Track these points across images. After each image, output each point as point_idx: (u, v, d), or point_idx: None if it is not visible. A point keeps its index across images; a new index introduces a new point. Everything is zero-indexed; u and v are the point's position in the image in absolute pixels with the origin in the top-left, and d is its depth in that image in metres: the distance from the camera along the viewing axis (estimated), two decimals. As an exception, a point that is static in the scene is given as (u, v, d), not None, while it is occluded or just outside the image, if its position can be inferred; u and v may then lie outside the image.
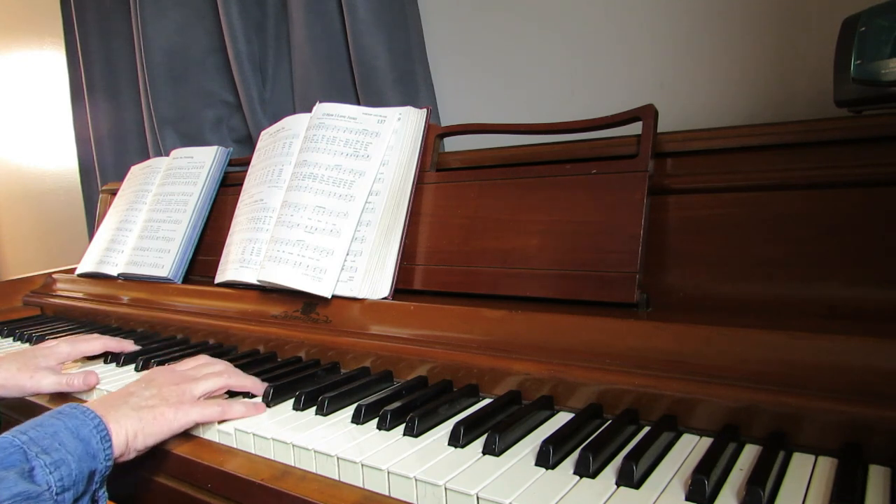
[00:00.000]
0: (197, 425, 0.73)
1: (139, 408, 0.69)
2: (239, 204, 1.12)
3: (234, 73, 1.57)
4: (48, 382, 0.88)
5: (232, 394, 0.80)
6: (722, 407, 0.58)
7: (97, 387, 0.88)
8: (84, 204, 2.18)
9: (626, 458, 0.52)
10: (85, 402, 0.71)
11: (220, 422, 0.72)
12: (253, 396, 0.79)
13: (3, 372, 0.88)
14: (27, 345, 1.21)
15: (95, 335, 1.03)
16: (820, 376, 0.55)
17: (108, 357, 1.02)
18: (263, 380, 0.81)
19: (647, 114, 0.77)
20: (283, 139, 1.07)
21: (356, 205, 0.94)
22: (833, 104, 0.71)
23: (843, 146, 0.67)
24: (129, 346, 1.03)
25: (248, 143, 1.70)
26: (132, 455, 0.67)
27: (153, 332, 1.19)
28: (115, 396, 0.72)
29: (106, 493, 0.65)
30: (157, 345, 1.07)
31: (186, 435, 0.73)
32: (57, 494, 0.57)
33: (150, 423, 0.68)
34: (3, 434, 0.59)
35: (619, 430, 0.59)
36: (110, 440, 0.64)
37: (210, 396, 0.77)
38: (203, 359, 0.84)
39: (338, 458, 0.60)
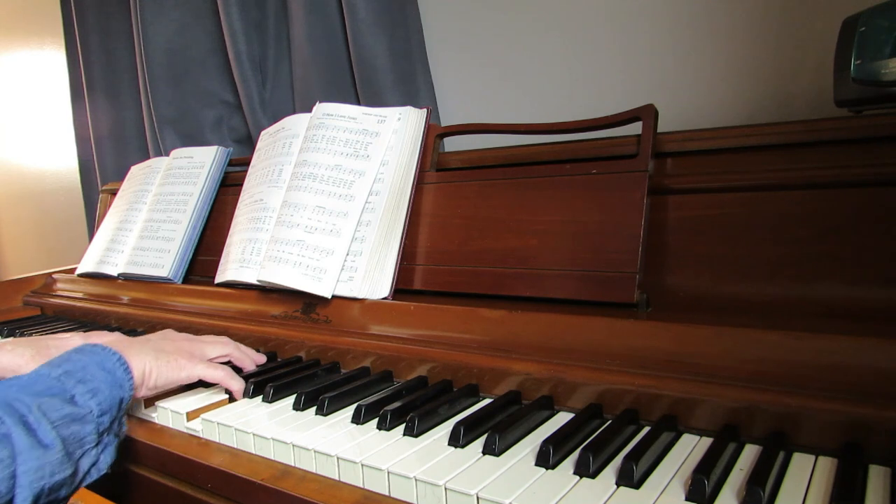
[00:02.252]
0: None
1: (157, 350, 0.77)
2: (239, 204, 1.12)
3: (234, 73, 1.57)
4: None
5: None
6: (722, 407, 0.58)
7: None
8: (84, 204, 2.18)
9: (626, 458, 0.52)
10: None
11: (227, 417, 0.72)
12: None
13: (18, 358, 0.88)
14: (27, 345, 1.21)
15: (106, 332, 1.02)
16: (820, 376, 0.55)
17: None
18: (264, 379, 0.81)
19: (647, 114, 0.77)
20: (283, 139, 1.07)
21: (356, 205, 0.94)
22: (833, 104, 0.71)
23: (843, 146, 0.67)
24: None
25: (248, 143, 1.70)
26: (143, 392, 0.74)
27: (153, 332, 1.18)
28: (134, 341, 0.80)
29: (125, 420, 0.71)
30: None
31: (187, 435, 0.74)
32: (98, 417, 0.63)
33: (164, 364, 0.76)
34: (39, 367, 0.65)
35: (619, 430, 0.59)
36: (131, 371, 0.70)
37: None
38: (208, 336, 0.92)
39: (338, 458, 0.60)
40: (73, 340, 0.95)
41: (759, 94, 1.01)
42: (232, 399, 0.80)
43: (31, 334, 1.23)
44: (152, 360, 0.75)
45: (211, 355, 0.83)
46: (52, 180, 2.62)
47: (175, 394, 0.82)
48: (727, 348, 0.60)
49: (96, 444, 0.63)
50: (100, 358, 0.69)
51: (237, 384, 0.80)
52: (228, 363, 0.86)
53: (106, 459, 0.65)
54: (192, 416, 0.75)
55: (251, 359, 0.89)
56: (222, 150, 1.31)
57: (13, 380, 0.62)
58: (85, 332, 1.02)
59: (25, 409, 0.57)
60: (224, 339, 0.90)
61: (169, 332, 0.88)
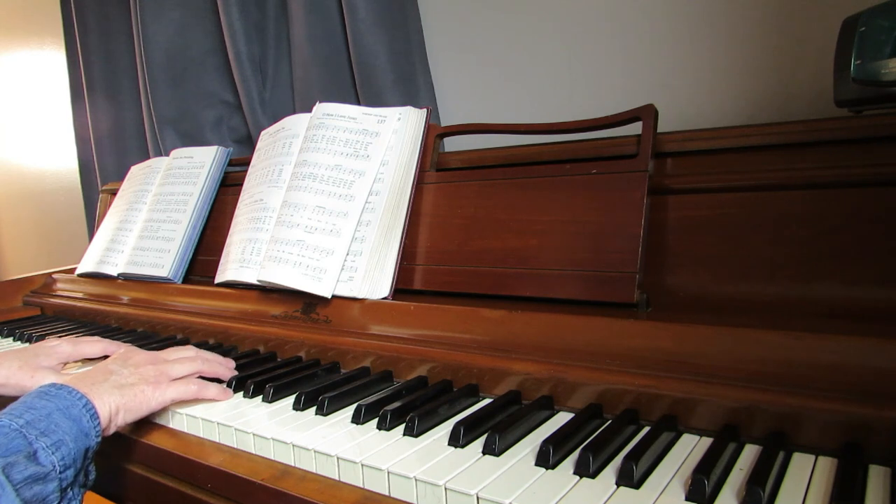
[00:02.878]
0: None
1: (121, 385, 0.72)
2: (239, 204, 1.12)
3: (234, 73, 1.57)
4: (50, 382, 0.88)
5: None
6: (722, 407, 0.58)
7: None
8: (84, 204, 2.18)
9: (626, 458, 0.52)
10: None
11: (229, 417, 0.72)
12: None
13: (4, 370, 0.87)
14: (27, 344, 1.21)
15: (97, 338, 1.02)
16: (820, 376, 0.55)
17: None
18: (264, 380, 0.81)
19: (647, 114, 0.77)
20: (283, 139, 1.07)
21: (356, 205, 0.94)
22: (833, 104, 0.71)
23: (843, 146, 0.67)
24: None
25: (248, 143, 1.70)
26: (111, 430, 0.70)
27: (153, 332, 1.19)
28: (95, 373, 0.74)
29: (94, 467, 0.68)
30: (157, 345, 1.07)
31: (187, 435, 0.74)
32: (60, 473, 0.59)
33: (131, 399, 0.71)
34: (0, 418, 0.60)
35: (619, 430, 0.59)
36: (98, 418, 0.66)
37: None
38: (172, 348, 0.88)
39: (338, 458, 0.60)
40: (61, 347, 0.95)
41: (759, 94, 1.01)
42: (244, 391, 0.80)
43: (30, 334, 1.23)
44: (118, 397, 0.70)
45: (175, 375, 0.79)
46: (52, 180, 2.62)
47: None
48: (727, 348, 0.60)
49: (59, 501, 0.60)
50: (66, 403, 0.65)
51: (214, 391, 0.77)
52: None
53: None
54: (191, 415, 0.75)
55: (223, 366, 0.86)
56: (222, 150, 1.31)
57: None
58: (76, 335, 1.02)
59: None
60: (189, 352, 0.85)
61: (131, 354, 0.82)
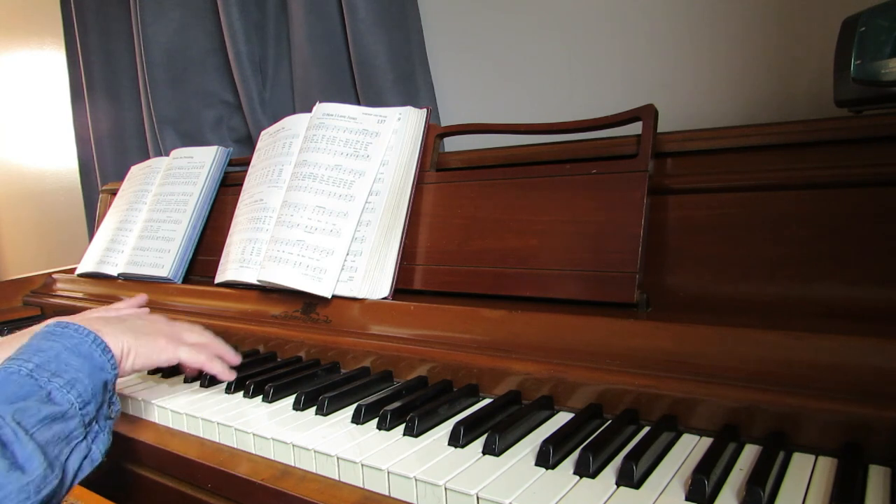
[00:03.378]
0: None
1: (136, 329, 0.73)
2: (239, 204, 1.12)
3: (234, 73, 1.57)
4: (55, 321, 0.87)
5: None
6: (722, 407, 0.58)
7: None
8: (84, 204, 2.18)
9: (626, 458, 0.52)
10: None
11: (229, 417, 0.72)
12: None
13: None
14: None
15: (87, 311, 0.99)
16: (820, 376, 0.55)
17: None
18: (264, 380, 0.81)
19: (647, 114, 0.77)
20: (283, 139, 1.07)
21: (356, 205, 0.94)
22: (833, 104, 0.71)
23: (843, 146, 0.67)
24: None
25: (248, 143, 1.70)
26: (122, 373, 0.70)
27: (153, 332, 1.19)
28: (108, 317, 0.75)
29: (117, 398, 0.68)
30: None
31: (187, 435, 0.74)
32: (80, 409, 0.60)
33: (144, 343, 0.72)
34: (7, 363, 0.60)
35: (619, 430, 0.59)
36: (111, 350, 0.67)
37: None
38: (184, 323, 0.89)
39: (338, 458, 0.60)
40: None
41: (759, 94, 1.01)
42: (244, 391, 0.79)
43: (31, 334, 1.23)
44: (131, 339, 0.71)
45: (189, 340, 0.80)
46: (52, 180, 2.62)
47: (175, 393, 0.82)
48: (727, 348, 0.60)
49: (85, 437, 0.60)
50: (73, 342, 0.64)
51: (220, 366, 0.77)
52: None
53: (99, 448, 0.62)
54: (191, 415, 0.75)
55: (224, 364, 0.84)
56: (222, 150, 1.31)
57: None
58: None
59: (0, 420, 0.54)
60: (199, 327, 0.86)
61: (144, 314, 0.83)
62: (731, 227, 0.72)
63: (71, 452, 0.59)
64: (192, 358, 0.76)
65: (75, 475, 0.60)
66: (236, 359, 0.86)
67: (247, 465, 0.65)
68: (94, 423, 0.62)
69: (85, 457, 0.61)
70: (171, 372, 0.91)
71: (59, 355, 0.62)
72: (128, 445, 0.75)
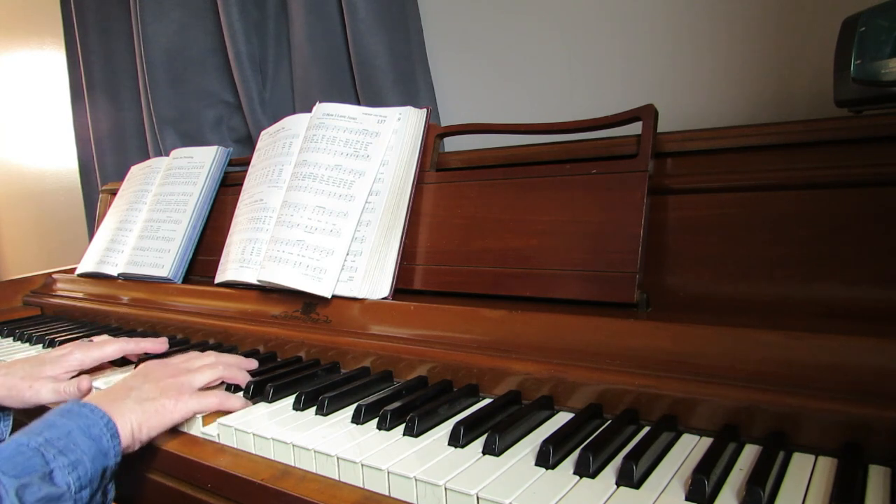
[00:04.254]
0: (195, 416, 0.74)
1: (142, 400, 0.71)
2: (239, 204, 1.12)
3: (234, 73, 1.57)
4: (47, 392, 0.85)
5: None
6: (722, 407, 0.58)
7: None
8: (84, 204, 2.18)
9: (626, 458, 0.52)
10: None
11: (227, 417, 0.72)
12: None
13: (9, 380, 0.85)
14: (27, 344, 1.21)
15: (107, 338, 0.97)
16: (820, 376, 0.55)
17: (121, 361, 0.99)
18: (264, 379, 0.81)
19: (647, 114, 0.77)
20: (283, 139, 1.07)
21: (356, 205, 0.94)
22: (833, 104, 0.71)
23: (843, 146, 0.67)
24: (148, 345, 0.97)
25: (248, 143, 1.70)
26: (136, 447, 0.69)
27: (153, 332, 1.19)
28: (117, 390, 0.74)
29: (113, 486, 0.67)
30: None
31: (187, 435, 0.74)
32: (76, 493, 0.59)
33: (152, 415, 0.71)
34: (17, 436, 0.60)
35: (619, 430, 0.59)
36: (119, 437, 0.66)
37: (206, 388, 0.79)
38: (193, 353, 0.86)
39: (338, 458, 0.60)
40: (72, 356, 0.91)
41: (759, 94, 1.01)
42: (244, 391, 0.79)
43: (30, 334, 1.23)
44: (139, 414, 0.70)
45: (199, 385, 0.78)
46: (52, 180, 2.62)
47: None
48: (727, 348, 0.60)
49: None
50: (87, 423, 0.64)
51: (235, 402, 0.76)
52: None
53: None
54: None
55: (242, 370, 0.84)
56: (222, 150, 1.31)
57: None
58: (87, 338, 0.99)
59: (3, 492, 0.54)
60: (209, 359, 0.83)
61: (151, 368, 0.80)
62: (731, 227, 0.72)
63: None
64: (205, 406, 0.74)
65: None
66: (252, 363, 0.86)
67: (247, 465, 0.65)
68: None
69: None
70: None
71: (70, 433, 0.62)
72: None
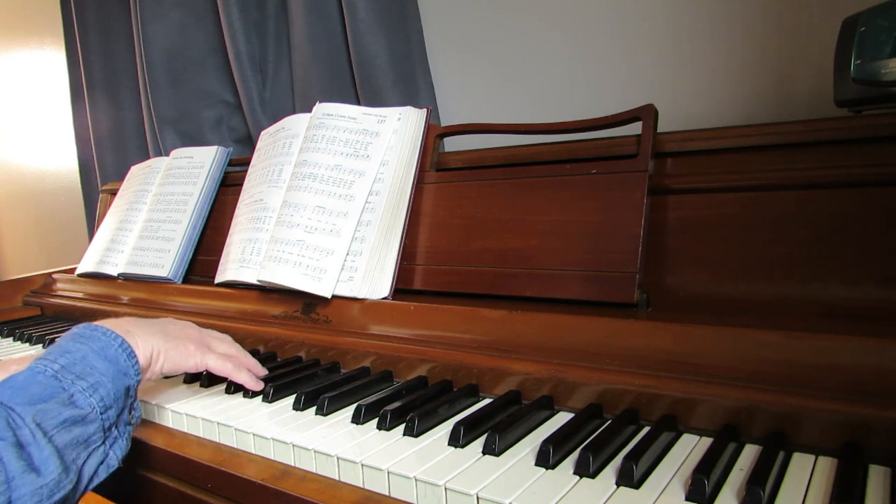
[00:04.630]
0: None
1: (166, 333, 0.73)
2: (239, 204, 1.12)
3: (234, 73, 1.57)
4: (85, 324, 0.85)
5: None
6: (722, 407, 0.58)
7: None
8: (84, 204, 2.18)
9: (626, 458, 0.52)
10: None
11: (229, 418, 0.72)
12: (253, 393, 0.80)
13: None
14: (27, 344, 1.21)
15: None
16: (820, 376, 0.55)
17: None
18: (263, 379, 0.81)
19: (647, 114, 0.77)
20: (283, 139, 1.07)
21: (356, 205, 0.94)
22: (833, 104, 0.71)
23: (843, 146, 0.67)
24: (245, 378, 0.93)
25: (248, 143, 1.70)
26: (148, 376, 0.70)
27: (153, 332, 1.19)
28: (142, 321, 0.75)
29: (139, 404, 0.68)
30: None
31: (187, 434, 0.73)
32: (101, 413, 0.60)
33: (174, 347, 0.72)
34: (34, 363, 0.60)
35: (619, 430, 0.59)
36: (136, 356, 0.67)
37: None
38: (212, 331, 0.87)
39: (338, 458, 0.60)
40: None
41: (759, 94, 1.01)
42: (244, 391, 0.79)
43: (30, 334, 1.23)
44: (161, 342, 0.71)
45: (218, 349, 0.79)
46: (52, 180, 2.62)
47: (175, 394, 0.82)
48: (727, 348, 0.60)
49: (103, 441, 0.61)
50: (101, 345, 0.64)
51: (246, 376, 0.77)
52: None
53: (116, 453, 0.62)
54: (190, 415, 0.75)
55: (250, 373, 0.81)
56: (222, 150, 1.31)
57: (8, 381, 0.58)
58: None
59: (20, 421, 0.54)
60: (230, 348, 0.83)
61: (181, 322, 0.83)
62: (731, 227, 0.72)
63: (88, 457, 0.59)
64: (219, 366, 0.76)
65: (90, 480, 0.60)
66: (263, 371, 0.84)
67: (247, 465, 0.65)
68: (113, 427, 0.62)
69: (101, 462, 0.61)
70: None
71: (86, 357, 0.62)
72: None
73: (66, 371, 0.60)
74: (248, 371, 0.78)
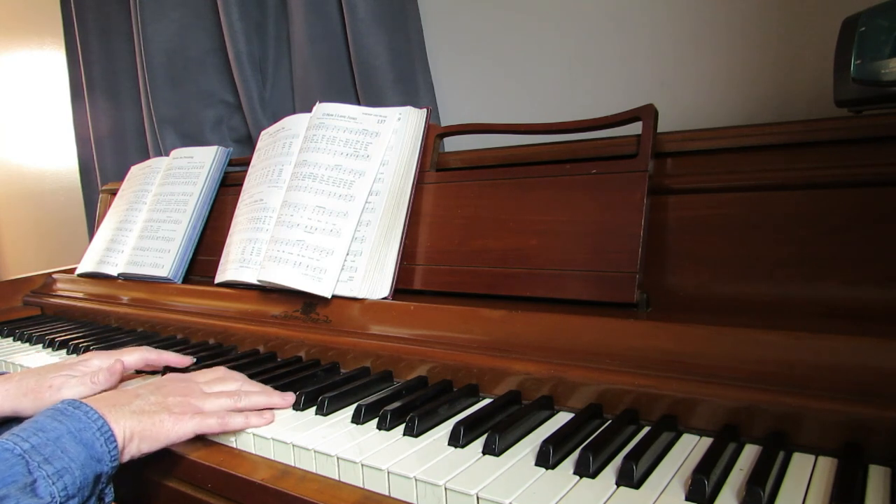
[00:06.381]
0: (196, 437, 0.70)
1: (140, 411, 0.67)
2: (239, 204, 1.12)
3: (234, 73, 1.57)
4: (70, 388, 0.79)
5: None
6: (722, 407, 0.58)
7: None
8: (84, 204, 2.18)
9: (626, 458, 0.52)
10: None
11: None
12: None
13: (24, 383, 0.79)
14: (27, 344, 1.21)
15: (132, 348, 0.91)
16: (820, 376, 0.55)
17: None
18: (264, 380, 0.81)
19: (647, 114, 0.77)
20: (283, 139, 1.07)
21: (356, 205, 0.94)
22: (833, 104, 0.71)
23: (843, 146, 0.67)
24: (172, 358, 0.92)
25: (248, 143, 1.70)
26: (125, 459, 0.65)
27: (153, 332, 1.19)
28: (120, 395, 0.70)
29: (112, 489, 0.64)
30: (160, 345, 1.05)
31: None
32: (62, 503, 0.56)
33: (148, 427, 0.66)
34: (6, 437, 0.57)
35: (619, 430, 0.59)
36: (115, 441, 0.63)
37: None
38: (220, 371, 0.81)
39: (338, 458, 0.60)
40: (91, 363, 0.84)
41: (759, 94, 1.01)
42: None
43: (30, 334, 1.23)
44: (135, 423, 0.65)
45: (206, 406, 0.72)
46: (52, 180, 2.62)
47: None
48: (727, 348, 0.60)
49: None
50: (79, 426, 0.61)
51: (237, 421, 0.70)
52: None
53: None
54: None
55: (264, 394, 0.76)
56: (222, 150, 1.31)
57: None
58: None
59: None
60: (231, 386, 0.77)
61: (166, 382, 0.75)
62: (730, 227, 0.72)
63: None
64: (204, 428, 0.70)
65: None
66: (278, 399, 0.75)
67: (246, 465, 0.65)
68: None
69: None
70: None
71: (60, 439, 0.59)
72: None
73: (35, 451, 0.56)
74: (241, 416, 0.71)
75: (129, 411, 0.66)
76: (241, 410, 0.72)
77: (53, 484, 0.56)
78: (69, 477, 0.57)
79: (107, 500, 0.63)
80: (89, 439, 0.60)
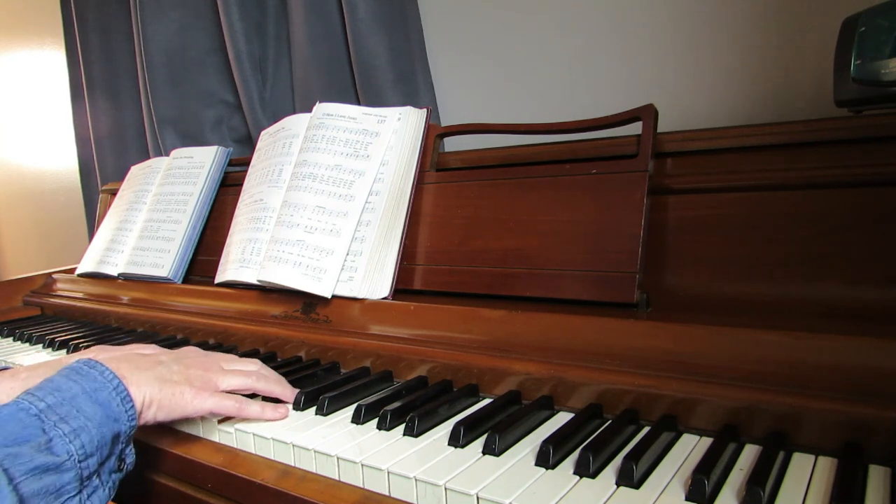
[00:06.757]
0: (211, 415, 0.71)
1: (163, 379, 0.67)
2: (239, 204, 1.12)
3: (234, 73, 1.57)
4: (86, 359, 0.79)
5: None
6: (722, 407, 0.58)
7: None
8: (84, 204, 2.18)
9: (626, 458, 0.52)
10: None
11: (232, 418, 0.72)
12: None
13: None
14: (27, 344, 1.21)
15: (149, 346, 0.87)
16: (820, 376, 0.55)
17: None
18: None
19: (647, 114, 0.77)
20: (283, 139, 1.07)
21: (356, 205, 0.94)
22: (833, 104, 0.71)
23: (843, 146, 0.67)
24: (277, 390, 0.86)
25: (248, 143, 1.70)
26: (140, 423, 0.65)
27: (153, 332, 1.19)
28: (142, 359, 0.70)
29: (133, 451, 0.64)
30: (162, 344, 1.05)
31: (187, 434, 0.73)
32: (79, 461, 0.56)
33: (168, 396, 0.67)
34: (21, 397, 0.57)
35: (619, 430, 0.59)
36: (132, 401, 0.62)
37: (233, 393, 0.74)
38: (236, 357, 0.81)
39: (338, 458, 0.60)
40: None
41: (759, 94, 1.01)
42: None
43: (30, 334, 1.23)
44: (156, 390, 0.65)
45: (224, 387, 0.72)
46: (52, 180, 2.62)
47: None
48: (727, 348, 0.60)
49: (79, 491, 0.56)
50: (95, 385, 0.60)
51: (253, 409, 0.71)
52: None
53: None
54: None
55: (281, 385, 0.76)
56: (222, 150, 1.31)
57: None
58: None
59: None
60: (250, 367, 0.77)
61: (188, 353, 0.76)
62: (731, 227, 0.72)
63: None
64: (221, 408, 0.70)
65: None
66: (290, 393, 0.76)
67: (246, 465, 0.65)
68: (94, 476, 0.58)
69: None
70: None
71: (75, 398, 0.58)
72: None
73: (50, 411, 0.56)
74: (258, 403, 0.72)
75: (152, 377, 0.66)
76: (256, 393, 0.73)
77: (70, 442, 0.55)
78: (86, 435, 0.57)
79: (127, 460, 0.63)
80: (105, 399, 0.60)
